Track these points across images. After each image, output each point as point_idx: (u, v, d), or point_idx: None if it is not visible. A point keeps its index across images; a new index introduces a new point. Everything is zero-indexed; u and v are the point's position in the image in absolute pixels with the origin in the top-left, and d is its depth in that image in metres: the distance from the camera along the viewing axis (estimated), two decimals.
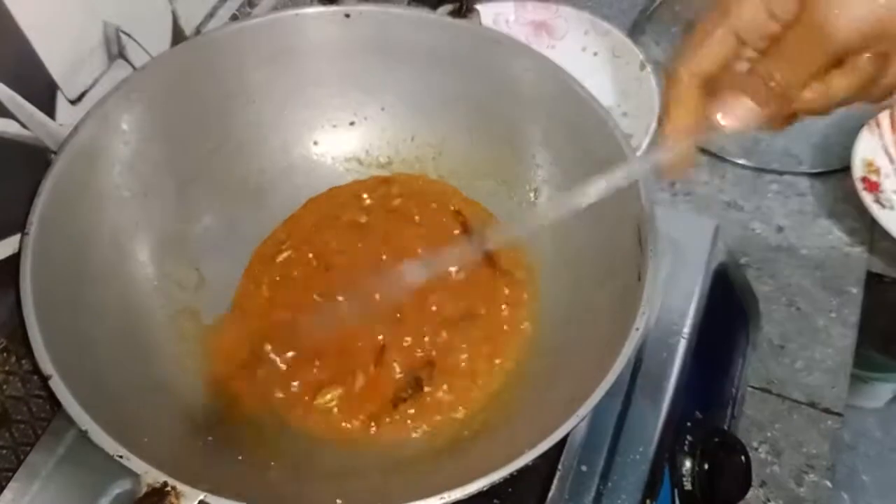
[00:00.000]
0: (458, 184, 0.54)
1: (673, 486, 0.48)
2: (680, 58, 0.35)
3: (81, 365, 0.39)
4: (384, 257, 0.51)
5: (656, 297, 0.51)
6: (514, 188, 0.53)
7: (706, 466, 0.48)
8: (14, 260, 0.40)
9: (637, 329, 0.38)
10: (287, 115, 0.53)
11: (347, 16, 0.51)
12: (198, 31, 0.54)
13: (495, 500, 0.43)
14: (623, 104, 0.68)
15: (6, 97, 0.41)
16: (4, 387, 0.45)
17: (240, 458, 0.41)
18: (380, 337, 0.47)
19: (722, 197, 0.70)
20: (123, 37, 0.48)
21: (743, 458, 0.49)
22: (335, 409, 0.45)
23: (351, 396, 0.45)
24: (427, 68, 0.52)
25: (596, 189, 0.37)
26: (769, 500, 0.57)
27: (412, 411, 0.45)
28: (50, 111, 0.44)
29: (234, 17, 0.57)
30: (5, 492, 0.45)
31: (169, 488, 0.34)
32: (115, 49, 0.48)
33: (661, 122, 0.36)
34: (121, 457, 0.34)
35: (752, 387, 0.61)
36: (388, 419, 0.45)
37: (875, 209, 0.64)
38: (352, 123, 0.55)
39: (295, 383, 0.46)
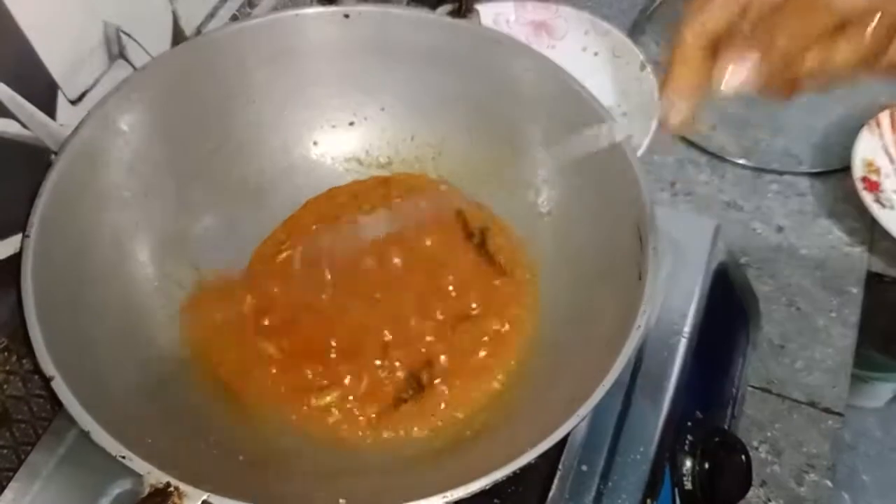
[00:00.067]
0: (458, 184, 0.54)
1: (673, 486, 0.48)
2: (685, 19, 0.35)
3: (83, 365, 0.39)
4: (385, 257, 0.50)
5: (657, 296, 0.51)
6: (515, 188, 0.53)
7: (707, 466, 0.48)
8: (15, 260, 0.40)
9: (638, 327, 0.38)
10: (287, 115, 0.53)
11: (347, 16, 0.51)
12: (198, 32, 0.54)
13: (496, 500, 0.43)
14: (623, 104, 0.68)
15: (6, 97, 0.41)
16: (5, 386, 0.45)
17: (242, 458, 0.41)
18: (381, 337, 0.47)
19: (722, 197, 0.70)
20: (124, 37, 0.48)
21: (743, 457, 0.49)
22: (337, 410, 0.45)
23: (352, 397, 0.45)
24: (427, 68, 0.52)
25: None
26: (770, 500, 0.57)
27: (413, 411, 0.45)
28: (50, 111, 0.44)
29: (234, 18, 0.57)
30: (6, 491, 0.45)
31: (172, 488, 0.34)
32: (116, 49, 0.48)
33: (664, 83, 0.36)
34: (123, 457, 0.34)
35: (753, 386, 0.61)
36: (389, 419, 0.45)
37: (875, 209, 0.65)
38: (351, 124, 0.55)
39: (296, 384, 0.46)
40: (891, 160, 0.68)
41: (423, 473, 0.41)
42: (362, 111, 0.55)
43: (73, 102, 0.46)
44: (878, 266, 0.66)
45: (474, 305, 0.49)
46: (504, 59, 0.50)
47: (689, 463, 0.49)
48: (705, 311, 0.53)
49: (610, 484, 0.45)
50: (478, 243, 0.52)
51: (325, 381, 0.46)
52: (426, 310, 0.48)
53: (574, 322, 0.46)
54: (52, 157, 0.44)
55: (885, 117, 0.69)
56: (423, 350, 0.47)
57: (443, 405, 0.45)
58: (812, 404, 0.60)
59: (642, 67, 0.69)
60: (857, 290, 0.65)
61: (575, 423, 0.36)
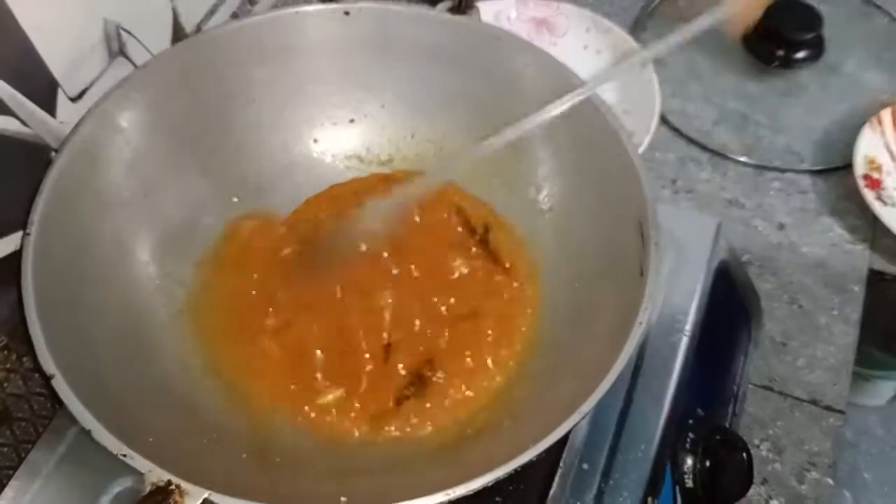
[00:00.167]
0: (458, 181, 0.54)
1: (675, 484, 0.48)
2: None
3: (83, 364, 0.38)
4: (385, 255, 0.50)
5: (658, 294, 0.51)
6: (516, 185, 0.53)
7: (708, 464, 0.48)
8: (15, 258, 0.40)
9: (640, 324, 0.38)
10: (287, 113, 0.53)
11: (347, 13, 0.51)
12: (198, 29, 0.54)
13: (497, 498, 0.43)
14: (625, 102, 0.68)
15: (6, 94, 0.41)
16: (5, 384, 0.45)
17: (244, 456, 0.41)
18: (382, 335, 0.47)
19: (723, 195, 0.70)
20: (124, 34, 0.48)
21: (745, 455, 0.49)
22: (338, 408, 0.45)
23: (354, 395, 0.45)
24: (427, 65, 0.52)
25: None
26: (771, 498, 0.57)
27: (415, 409, 0.45)
28: (50, 109, 0.44)
29: (234, 15, 0.57)
30: (6, 490, 0.45)
31: (173, 486, 0.34)
32: (116, 47, 0.48)
33: None
34: (124, 455, 0.34)
35: (754, 384, 0.61)
36: (391, 417, 0.45)
37: (877, 206, 0.64)
38: (352, 121, 0.55)
39: (299, 382, 0.46)
40: (892, 157, 0.68)
41: (424, 471, 0.41)
42: (363, 108, 0.55)
43: (74, 100, 0.46)
44: (880, 264, 0.66)
45: (475, 303, 0.49)
46: (505, 55, 0.50)
47: (690, 461, 0.49)
48: (707, 309, 0.52)
49: (611, 482, 0.45)
50: (479, 240, 0.51)
51: (327, 380, 0.46)
52: (427, 307, 0.48)
53: (575, 319, 0.46)
54: (53, 154, 0.44)
55: (886, 115, 0.69)
56: (425, 348, 0.47)
57: (444, 403, 0.45)
58: (813, 402, 0.60)
59: (644, 65, 0.68)
60: (858, 288, 0.64)
61: (576, 420, 0.36)
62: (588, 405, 0.36)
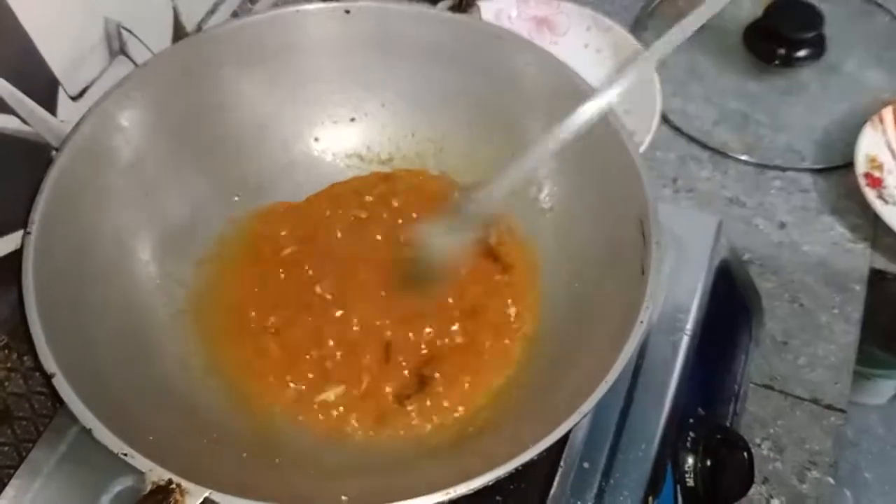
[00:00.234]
0: (459, 179, 0.54)
1: (675, 483, 0.48)
2: None
3: (84, 363, 0.39)
4: (386, 255, 0.50)
5: (659, 293, 0.51)
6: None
7: (709, 463, 0.48)
8: (15, 257, 0.40)
9: (641, 323, 0.38)
10: (288, 111, 0.53)
11: (347, 12, 0.51)
12: (199, 28, 0.54)
13: (498, 497, 0.43)
14: (625, 101, 0.68)
15: (7, 93, 0.41)
16: (6, 383, 0.45)
17: (244, 455, 0.41)
18: (383, 334, 0.47)
19: (724, 193, 0.70)
20: (125, 33, 0.48)
21: (745, 454, 0.49)
22: (340, 407, 0.45)
23: (355, 394, 0.45)
24: (427, 64, 0.52)
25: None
26: (772, 497, 0.57)
27: (416, 408, 0.45)
28: (51, 107, 0.44)
29: (234, 14, 0.57)
30: (7, 489, 0.45)
31: (174, 485, 0.34)
32: (117, 45, 0.48)
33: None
34: (125, 454, 0.34)
35: (755, 383, 0.61)
36: (392, 416, 0.45)
37: (878, 205, 0.64)
38: (352, 120, 0.55)
39: (299, 381, 0.46)
40: (894, 156, 0.68)
41: (425, 470, 0.41)
42: (363, 107, 0.55)
43: (74, 98, 0.46)
44: (881, 263, 0.66)
45: (476, 302, 0.48)
46: (505, 53, 0.50)
47: (691, 460, 0.49)
48: (707, 308, 0.52)
49: (612, 481, 0.45)
50: (479, 240, 0.51)
51: (328, 379, 0.46)
52: (429, 306, 0.48)
53: (576, 318, 0.46)
54: (53, 153, 0.44)
55: (888, 113, 0.69)
56: (425, 347, 0.47)
57: (445, 402, 0.45)
58: (814, 401, 0.60)
59: (651, 67, 0.68)
60: (859, 287, 0.64)
61: (577, 419, 0.36)
62: (589, 404, 0.36)
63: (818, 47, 0.77)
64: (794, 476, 0.58)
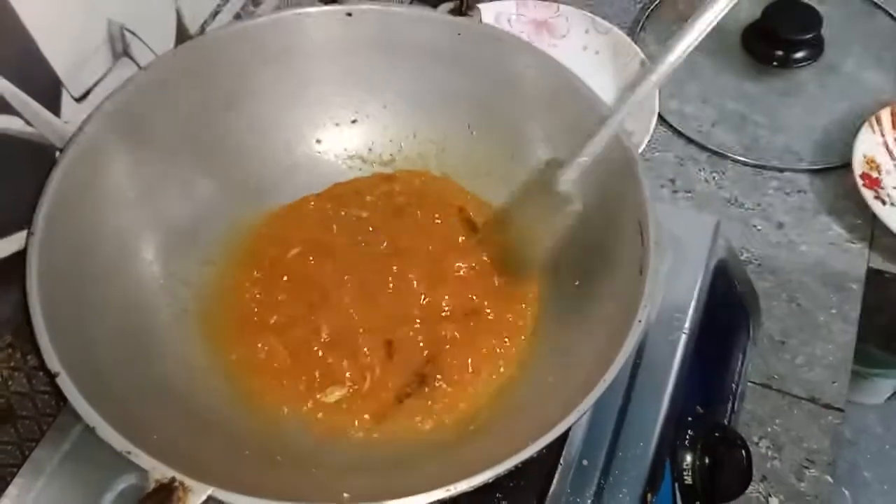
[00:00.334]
0: (460, 180, 0.54)
1: (674, 481, 0.48)
2: None
3: (87, 362, 0.39)
4: (387, 255, 0.51)
5: (658, 292, 0.51)
6: (517, 184, 0.53)
7: (707, 461, 0.49)
8: (19, 257, 0.40)
9: (639, 321, 0.39)
10: (290, 113, 0.54)
11: (349, 14, 0.51)
12: (202, 30, 0.54)
13: (498, 494, 0.43)
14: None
15: (10, 94, 0.41)
16: (10, 383, 0.46)
17: (247, 453, 0.41)
18: (385, 333, 0.47)
19: (722, 194, 0.70)
20: (128, 35, 0.48)
21: (744, 452, 0.49)
22: (342, 406, 0.45)
23: (357, 392, 0.46)
24: (428, 66, 0.53)
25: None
26: (770, 495, 0.57)
27: (417, 407, 0.45)
28: (54, 108, 0.45)
29: (237, 17, 0.57)
30: (10, 487, 0.45)
31: (177, 483, 0.34)
32: (120, 47, 0.48)
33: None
34: (129, 453, 0.34)
35: (753, 382, 0.61)
36: (393, 415, 0.45)
37: (875, 205, 0.65)
38: (354, 121, 0.55)
39: (302, 380, 0.46)
40: (891, 157, 0.68)
41: (425, 467, 0.41)
42: (365, 109, 0.55)
43: (78, 100, 0.46)
44: (879, 262, 0.66)
45: (477, 301, 0.49)
46: (505, 56, 0.51)
47: (689, 458, 0.49)
48: (705, 308, 0.53)
49: (611, 479, 0.45)
50: (480, 240, 0.52)
51: (330, 378, 0.46)
52: (430, 306, 0.48)
53: (575, 317, 0.46)
54: (57, 154, 0.44)
55: (885, 114, 0.70)
56: (426, 346, 0.47)
57: (445, 400, 0.45)
58: (812, 400, 0.60)
59: (643, 65, 0.69)
60: (857, 287, 0.65)
61: (576, 417, 0.36)
62: (587, 403, 0.37)
63: (816, 48, 0.77)
64: (793, 474, 0.58)
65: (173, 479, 0.34)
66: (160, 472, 0.34)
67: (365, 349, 0.47)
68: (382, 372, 0.46)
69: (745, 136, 0.73)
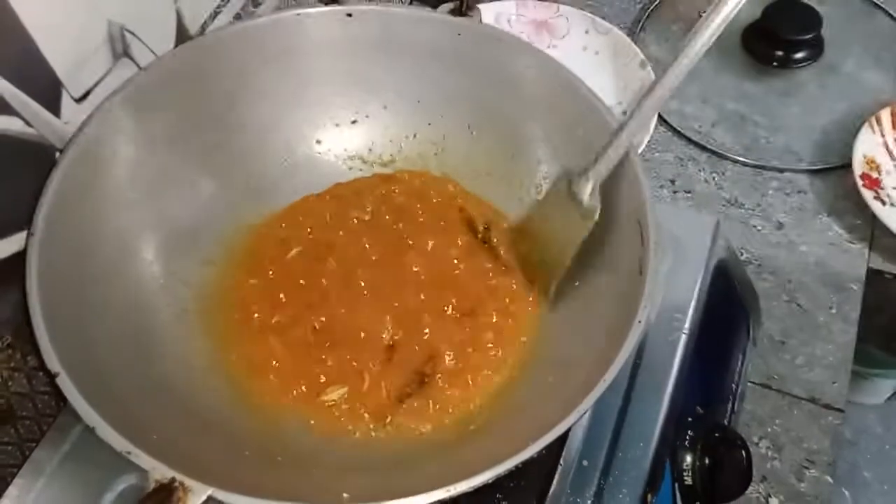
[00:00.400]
0: (460, 180, 0.54)
1: (674, 481, 0.48)
2: None
3: (87, 362, 0.39)
4: (388, 254, 0.51)
5: (658, 292, 0.51)
6: (517, 184, 0.53)
7: (707, 461, 0.49)
8: (19, 257, 0.40)
9: (639, 322, 0.39)
10: (290, 113, 0.54)
11: (349, 15, 0.51)
12: (202, 31, 0.54)
13: (498, 494, 0.43)
14: (624, 102, 0.68)
15: (10, 94, 0.41)
16: (10, 383, 0.46)
17: (247, 453, 0.41)
18: (385, 333, 0.47)
19: (722, 194, 0.70)
20: (128, 35, 0.48)
21: (744, 453, 0.49)
22: (342, 405, 0.45)
23: (357, 392, 0.46)
24: (428, 66, 0.53)
25: None
26: (770, 496, 0.57)
27: (417, 407, 0.45)
28: (54, 109, 0.45)
29: (237, 17, 0.58)
30: (10, 488, 0.45)
31: (177, 484, 0.34)
32: (120, 47, 0.48)
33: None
34: (129, 453, 0.34)
35: (753, 382, 0.61)
36: (393, 415, 0.45)
37: (875, 206, 0.65)
38: (354, 122, 0.55)
39: (302, 380, 0.46)
40: (891, 157, 0.68)
41: (426, 468, 0.41)
42: (365, 109, 0.55)
43: (78, 100, 0.46)
44: (878, 263, 0.66)
45: (476, 301, 0.49)
46: (505, 56, 0.51)
47: (689, 458, 0.49)
48: (705, 308, 0.53)
49: (611, 479, 0.45)
50: (481, 239, 0.52)
51: (331, 378, 0.46)
52: (430, 305, 0.48)
53: (575, 318, 0.46)
54: (56, 154, 0.44)
55: (885, 114, 0.70)
56: (427, 346, 0.47)
57: (445, 401, 0.45)
58: (812, 400, 0.61)
59: (642, 66, 0.69)
60: (857, 287, 0.65)
61: (576, 418, 0.36)
62: (587, 403, 0.37)
63: (816, 48, 0.77)
64: (793, 475, 0.58)
65: (173, 480, 0.34)
66: (160, 472, 0.34)
67: (365, 350, 0.47)
68: (382, 372, 0.46)
69: (744, 136, 0.73)
